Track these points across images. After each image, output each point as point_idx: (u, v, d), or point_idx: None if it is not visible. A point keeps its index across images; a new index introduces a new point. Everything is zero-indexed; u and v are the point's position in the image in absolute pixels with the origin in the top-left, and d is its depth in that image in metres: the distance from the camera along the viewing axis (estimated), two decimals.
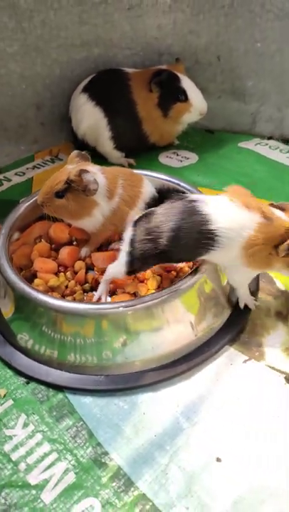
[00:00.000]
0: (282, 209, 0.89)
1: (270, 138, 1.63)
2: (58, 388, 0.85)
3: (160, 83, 1.42)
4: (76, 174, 0.96)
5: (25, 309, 0.92)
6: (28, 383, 0.86)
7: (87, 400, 0.83)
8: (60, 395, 0.83)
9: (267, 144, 1.58)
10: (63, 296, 1.00)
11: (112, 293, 1.01)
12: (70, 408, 0.81)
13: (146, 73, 1.45)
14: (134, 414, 0.80)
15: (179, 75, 1.44)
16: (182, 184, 1.16)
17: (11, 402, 0.82)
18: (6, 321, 0.97)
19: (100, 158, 1.48)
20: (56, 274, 1.05)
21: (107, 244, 1.11)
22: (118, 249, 1.06)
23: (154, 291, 0.96)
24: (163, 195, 1.16)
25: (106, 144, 1.47)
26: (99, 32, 1.48)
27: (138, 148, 1.53)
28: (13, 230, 1.06)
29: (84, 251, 1.08)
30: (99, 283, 1.02)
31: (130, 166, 1.48)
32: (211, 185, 1.37)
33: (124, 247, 0.89)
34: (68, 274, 1.05)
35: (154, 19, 1.49)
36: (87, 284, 1.03)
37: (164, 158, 1.54)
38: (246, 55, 1.53)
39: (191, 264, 1.04)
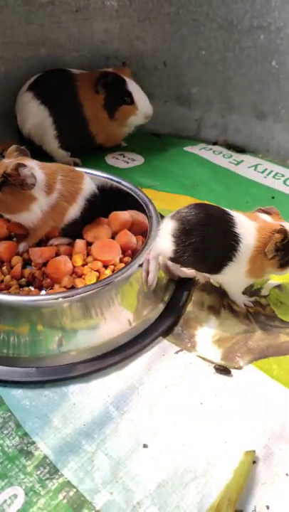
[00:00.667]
0: (268, 213, 0.93)
1: (215, 143, 1.69)
2: None
3: (106, 85, 1.44)
4: (13, 168, 0.96)
5: None
6: None
7: (17, 392, 0.82)
8: None
9: (211, 149, 1.63)
10: None
11: (48, 287, 1.01)
12: None
13: (93, 75, 1.47)
14: (64, 404, 0.80)
15: (126, 78, 1.47)
16: (123, 183, 1.18)
17: None
18: None
19: (46, 157, 1.49)
20: None
21: (46, 240, 1.11)
22: (58, 245, 1.08)
23: None
24: (105, 192, 1.18)
25: (51, 143, 1.48)
26: (46, 32, 1.49)
27: (84, 148, 1.54)
28: None
29: (22, 246, 1.08)
30: (36, 278, 1.02)
31: (76, 165, 1.49)
32: (155, 187, 1.40)
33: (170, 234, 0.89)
34: (4, 268, 1.04)
35: (101, 23, 1.52)
36: (23, 279, 1.03)
37: (110, 159, 1.56)
38: (191, 63, 1.58)
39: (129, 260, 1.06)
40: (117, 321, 0.91)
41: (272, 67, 1.49)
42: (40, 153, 1.50)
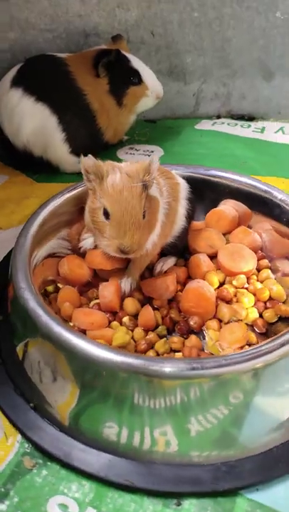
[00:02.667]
0: None
1: (218, 117, 1.50)
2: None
3: (108, 65, 1.16)
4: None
5: (109, 386, 0.59)
6: None
7: None
8: None
9: (223, 123, 1.43)
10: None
11: (199, 328, 0.74)
12: None
13: (85, 56, 1.17)
14: None
15: (127, 54, 1.20)
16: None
17: None
18: (68, 416, 0.62)
19: (46, 171, 1.17)
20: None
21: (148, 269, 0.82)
22: (167, 273, 0.80)
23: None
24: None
25: (59, 149, 1.15)
26: (12, 11, 1.14)
27: (92, 149, 1.23)
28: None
29: (127, 283, 0.77)
30: (175, 323, 0.74)
31: None
32: None
33: None
34: (127, 320, 0.73)
35: None
36: (160, 328, 0.74)
37: (124, 155, 1.28)
38: (182, 27, 1.35)
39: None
40: None
41: (277, 18, 1.33)
42: (40, 168, 1.18)
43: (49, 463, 0.60)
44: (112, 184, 0.66)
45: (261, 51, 1.38)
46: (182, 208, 0.80)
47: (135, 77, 1.19)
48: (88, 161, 0.68)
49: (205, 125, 1.43)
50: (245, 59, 1.40)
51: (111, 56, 1.15)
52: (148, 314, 0.72)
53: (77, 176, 1.17)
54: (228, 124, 1.42)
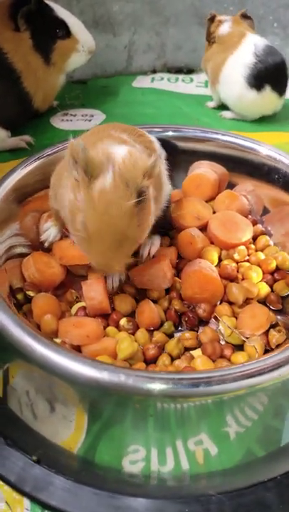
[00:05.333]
0: None
1: (153, 71, 1.35)
2: None
3: (28, 16, 0.96)
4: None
5: (123, 405, 0.47)
6: None
7: None
8: None
9: (162, 78, 1.30)
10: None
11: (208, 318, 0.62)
12: None
13: None
14: None
15: (48, 1, 1.01)
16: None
17: None
18: (79, 454, 0.50)
19: None
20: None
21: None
22: (157, 257, 0.67)
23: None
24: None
25: None
26: None
27: (20, 119, 1.05)
28: None
29: (115, 277, 0.63)
30: (180, 315, 0.62)
31: (29, 145, 1.00)
32: None
33: None
34: (125, 323, 0.60)
35: None
36: (165, 324, 0.61)
37: (60, 123, 1.10)
38: None
39: None
40: None
41: None
42: None
43: None
44: (100, 192, 0.50)
45: None
46: (164, 169, 0.67)
47: (62, 29, 1.01)
48: (77, 148, 0.51)
49: (143, 82, 1.28)
50: (178, 4, 1.26)
51: (31, 4, 0.95)
52: (150, 311, 0.59)
53: (9, 154, 0.99)
54: (169, 80, 1.29)
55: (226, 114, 1.13)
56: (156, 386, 0.43)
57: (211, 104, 1.16)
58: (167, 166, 0.68)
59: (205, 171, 0.77)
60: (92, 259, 0.53)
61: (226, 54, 1.07)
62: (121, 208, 0.50)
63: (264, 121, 1.10)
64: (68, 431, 0.51)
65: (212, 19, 1.11)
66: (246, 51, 1.04)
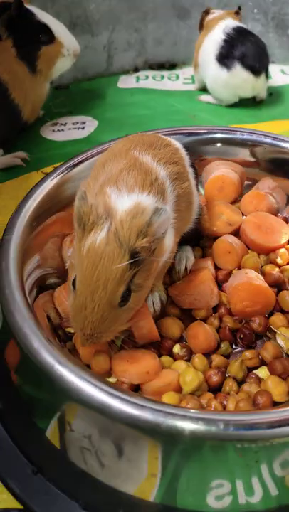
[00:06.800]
0: None
1: (136, 70, 1.30)
2: None
3: (9, 23, 0.89)
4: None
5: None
6: None
7: None
8: None
9: (147, 76, 1.25)
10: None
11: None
12: None
13: None
14: None
15: (28, 5, 0.94)
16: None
17: None
18: (157, 499, 0.45)
19: None
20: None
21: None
22: (194, 271, 0.62)
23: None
24: None
25: None
26: None
27: (11, 134, 0.98)
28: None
29: (156, 299, 0.58)
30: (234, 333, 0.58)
31: (25, 161, 0.93)
32: None
33: None
34: (179, 350, 0.55)
35: None
36: (223, 345, 0.56)
37: (51, 134, 1.03)
38: None
39: None
40: None
41: None
42: None
43: None
44: (88, 250, 0.45)
45: None
46: (193, 178, 0.62)
47: (46, 34, 0.95)
48: (83, 204, 0.46)
49: (128, 82, 1.22)
50: None
51: (12, 10, 0.89)
52: (205, 333, 0.55)
53: (5, 174, 0.92)
54: (154, 78, 1.24)
55: (204, 97, 1.13)
56: (256, 433, 0.39)
57: (204, 97, 1.12)
58: (195, 173, 0.63)
59: (226, 172, 0.73)
60: (73, 327, 0.47)
61: (203, 37, 1.09)
62: (109, 270, 0.44)
63: (263, 109, 1.07)
64: (142, 475, 0.45)
65: (207, 11, 1.12)
66: (218, 31, 1.05)
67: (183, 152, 0.61)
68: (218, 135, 0.73)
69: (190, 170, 0.61)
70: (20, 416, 0.52)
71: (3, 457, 0.48)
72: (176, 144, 0.62)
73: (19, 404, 0.52)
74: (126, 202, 0.47)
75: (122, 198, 0.47)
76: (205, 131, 0.73)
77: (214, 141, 0.73)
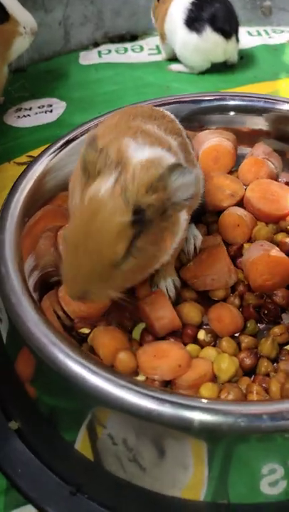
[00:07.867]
0: None
1: (95, 45, 1.22)
2: None
3: None
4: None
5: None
6: None
7: None
8: None
9: (110, 50, 1.17)
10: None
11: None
12: None
13: None
14: None
15: None
16: None
17: None
18: (206, 499, 0.42)
19: None
20: None
21: None
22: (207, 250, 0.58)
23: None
24: None
25: None
26: None
27: None
28: None
29: (170, 285, 0.54)
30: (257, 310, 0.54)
31: None
32: None
33: None
34: (205, 336, 0.51)
35: None
36: (249, 325, 0.52)
37: (17, 121, 0.95)
38: None
39: None
40: None
41: None
42: None
43: None
44: (91, 198, 0.40)
45: None
46: (192, 150, 0.57)
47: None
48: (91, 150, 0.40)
49: (90, 58, 1.15)
50: None
51: None
52: (231, 315, 0.51)
53: None
54: (117, 52, 1.17)
55: (174, 67, 1.08)
56: None
57: (175, 67, 1.07)
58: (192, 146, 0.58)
59: (220, 141, 0.68)
60: (64, 283, 0.43)
61: (168, 4, 1.03)
62: (110, 223, 0.39)
63: (236, 73, 1.03)
64: (188, 474, 0.42)
65: None
66: None
67: (178, 124, 0.56)
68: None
69: (188, 141, 0.56)
70: (42, 432, 0.47)
71: (34, 481, 0.43)
72: (171, 114, 0.57)
73: (39, 419, 0.47)
74: (145, 152, 0.42)
75: (143, 148, 0.42)
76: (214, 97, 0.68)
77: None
